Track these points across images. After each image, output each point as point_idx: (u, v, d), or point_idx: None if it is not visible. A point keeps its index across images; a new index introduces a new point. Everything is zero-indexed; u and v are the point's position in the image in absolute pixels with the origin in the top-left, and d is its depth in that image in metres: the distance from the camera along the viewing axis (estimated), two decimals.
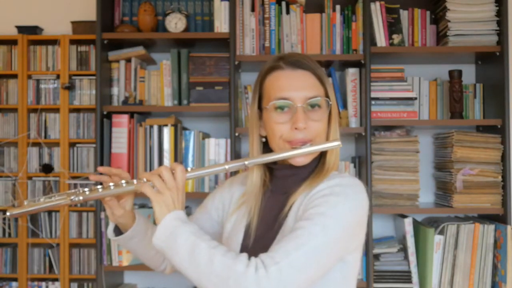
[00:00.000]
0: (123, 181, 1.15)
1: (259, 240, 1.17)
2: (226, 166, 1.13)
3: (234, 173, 2.34)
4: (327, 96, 1.18)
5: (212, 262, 0.99)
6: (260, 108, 1.21)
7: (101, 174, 1.21)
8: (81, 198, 1.12)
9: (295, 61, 1.17)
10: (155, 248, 1.25)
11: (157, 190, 1.08)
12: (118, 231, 1.28)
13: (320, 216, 1.04)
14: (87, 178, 2.61)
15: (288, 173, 1.19)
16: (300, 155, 1.14)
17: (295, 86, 1.15)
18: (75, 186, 2.64)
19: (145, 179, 1.11)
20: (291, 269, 0.97)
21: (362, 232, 1.15)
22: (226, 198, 1.32)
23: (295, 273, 0.97)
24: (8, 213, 1.11)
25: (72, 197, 1.12)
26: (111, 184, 1.15)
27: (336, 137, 1.20)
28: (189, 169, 1.13)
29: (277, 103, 1.14)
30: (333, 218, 1.04)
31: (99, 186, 1.14)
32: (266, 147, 1.22)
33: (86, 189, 1.13)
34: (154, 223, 1.15)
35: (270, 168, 1.23)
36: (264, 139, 1.22)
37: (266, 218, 1.19)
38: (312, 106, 1.15)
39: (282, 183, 1.20)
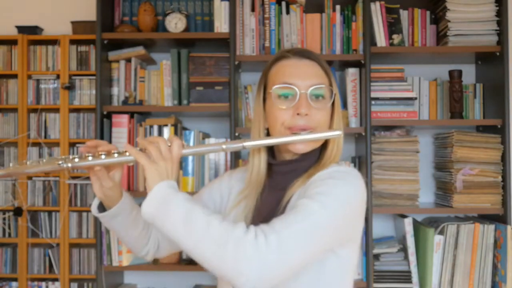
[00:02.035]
0: (115, 152, 1.11)
1: None
2: (224, 146, 1.11)
3: (234, 166, 2.34)
4: (330, 89, 1.18)
5: (209, 227, 0.96)
6: (264, 98, 1.21)
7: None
8: (69, 165, 1.08)
9: (302, 52, 1.20)
10: (138, 229, 1.24)
11: (152, 158, 1.06)
12: (102, 209, 1.24)
13: (319, 194, 1.04)
14: (88, 178, 2.62)
15: (287, 169, 1.19)
16: (300, 142, 1.13)
17: (299, 73, 1.16)
18: (75, 186, 2.65)
19: (138, 148, 1.09)
20: (290, 239, 0.96)
21: (359, 223, 1.15)
22: (225, 192, 1.30)
23: (294, 244, 0.97)
24: None
25: (60, 163, 1.08)
26: (102, 153, 1.11)
27: (339, 128, 1.19)
28: (185, 145, 1.12)
29: (280, 87, 1.15)
30: (332, 197, 1.04)
31: (89, 155, 1.10)
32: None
33: (76, 156, 1.09)
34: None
35: (269, 165, 1.23)
36: (266, 131, 1.22)
37: (264, 214, 1.18)
38: (316, 96, 1.15)
39: (281, 179, 1.20)
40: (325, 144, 1.20)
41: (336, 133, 1.14)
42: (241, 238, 0.94)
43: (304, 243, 0.98)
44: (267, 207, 1.18)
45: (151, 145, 1.08)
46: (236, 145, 1.11)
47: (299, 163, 1.18)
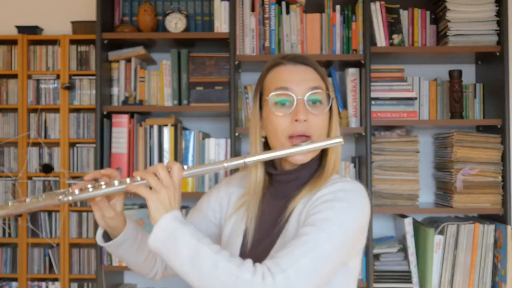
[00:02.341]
0: (115, 181, 1.08)
1: (258, 244, 1.15)
2: (225, 164, 1.09)
3: (233, 171, 2.35)
4: (327, 94, 1.17)
5: (216, 268, 0.96)
6: (261, 106, 1.19)
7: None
8: (70, 198, 1.06)
9: (297, 57, 1.18)
10: (145, 254, 1.22)
11: (153, 188, 1.03)
12: (107, 237, 1.21)
13: (324, 222, 1.02)
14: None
15: (288, 178, 1.17)
16: (301, 153, 1.11)
17: (296, 79, 1.14)
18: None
19: (139, 178, 1.06)
20: (298, 276, 0.96)
21: (364, 237, 1.14)
22: (224, 199, 1.28)
23: (302, 281, 0.96)
24: None
25: (60, 197, 1.06)
26: (102, 183, 1.08)
27: (337, 135, 1.18)
28: (185, 167, 1.09)
29: (277, 94, 1.13)
30: (338, 224, 1.03)
31: (89, 186, 1.08)
32: (266, 147, 1.20)
33: (76, 190, 1.07)
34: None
35: (270, 173, 1.21)
36: (264, 139, 1.19)
37: (265, 223, 1.17)
38: (313, 102, 1.13)
39: (282, 188, 1.18)
40: (324, 149, 1.18)
41: (336, 141, 1.12)
42: (249, 282, 0.94)
43: (312, 276, 0.98)
44: (270, 216, 1.17)
45: (149, 174, 1.05)
46: (238, 162, 1.10)
47: (300, 173, 1.17)
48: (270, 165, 1.20)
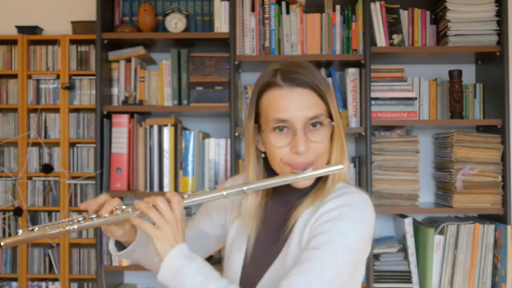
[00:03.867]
0: (117, 210, 1.09)
1: (262, 252, 1.15)
2: (224, 193, 1.08)
3: (235, 170, 2.35)
4: (329, 112, 1.12)
5: None
6: (258, 123, 1.16)
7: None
8: (75, 227, 1.09)
9: (293, 79, 1.09)
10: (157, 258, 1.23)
11: (156, 225, 1.04)
12: (119, 245, 1.22)
13: (329, 245, 1.01)
14: (88, 178, 2.61)
15: (290, 188, 1.15)
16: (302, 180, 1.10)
17: (294, 106, 1.08)
18: (75, 186, 2.64)
19: (139, 212, 1.07)
20: None
21: (369, 246, 1.13)
22: (228, 201, 1.27)
23: None
24: (2, 243, 1.07)
25: (67, 228, 1.09)
26: (105, 214, 1.08)
27: (340, 159, 1.14)
28: (185, 196, 1.08)
29: (274, 122, 1.08)
30: (343, 246, 1.02)
31: (93, 216, 1.09)
32: (266, 162, 1.18)
33: (80, 219, 1.09)
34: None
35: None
36: (263, 155, 1.17)
37: (268, 231, 1.16)
38: (313, 125, 1.09)
39: (285, 195, 1.17)
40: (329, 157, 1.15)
41: (338, 168, 1.10)
42: None
43: None
44: (273, 224, 1.17)
45: (150, 210, 1.05)
46: (237, 190, 1.09)
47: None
48: (271, 172, 1.18)
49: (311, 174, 1.09)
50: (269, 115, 1.10)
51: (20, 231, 1.09)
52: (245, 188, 1.09)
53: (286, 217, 1.14)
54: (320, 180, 1.15)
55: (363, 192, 1.14)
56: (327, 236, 1.03)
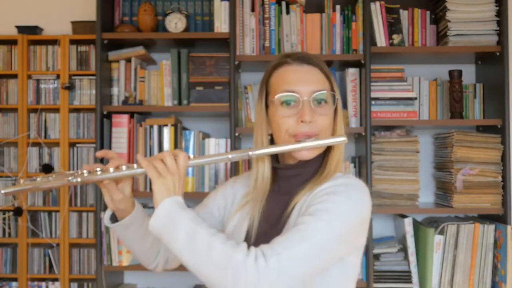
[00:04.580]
0: (123, 166, 1.12)
1: (261, 238, 1.16)
2: (230, 156, 1.12)
3: (235, 170, 2.35)
4: (333, 95, 1.19)
5: (211, 250, 0.98)
6: (266, 104, 1.22)
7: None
8: (79, 179, 1.09)
9: (302, 57, 1.19)
10: (149, 242, 1.25)
11: (159, 173, 1.07)
12: (114, 219, 1.25)
13: (324, 212, 1.04)
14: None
15: (292, 173, 1.20)
16: (305, 149, 1.13)
17: (301, 80, 1.16)
18: (75, 186, 2.64)
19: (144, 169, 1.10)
20: (291, 261, 0.97)
21: (364, 234, 1.15)
22: (229, 196, 1.31)
23: (295, 266, 0.97)
24: (2, 191, 1.09)
25: (69, 178, 1.09)
26: (110, 168, 1.12)
27: (342, 133, 1.20)
28: (191, 156, 1.12)
29: (283, 96, 1.15)
30: (337, 215, 1.04)
31: (98, 169, 1.12)
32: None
33: (84, 171, 1.10)
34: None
35: (274, 169, 1.23)
36: (270, 137, 1.22)
37: (269, 218, 1.19)
38: (319, 101, 1.16)
39: (285, 183, 1.20)
40: (328, 148, 1.20)
41: (341, 139, 1.14)
42: (241, 263, 0.96)
43: (306, 263, 0.99)
44: (273, 212, 1.19)
45: (156, 160, 1.08)
46: (242, 154, 1.12)
47: (303, 168, 1.19)
48: (274, 160, 1.23)
49: (315, 143, 1.13)
50: (277, 88, 1.17)
51: (22, 181, 1.09)
52: (250, 153, 1.12)
53: (287, 204, 1.17)
54: (320, 167, 1.19)
55: (361, 180, 1.17)
56: (322, 205, 1.06)
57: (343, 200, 1.07)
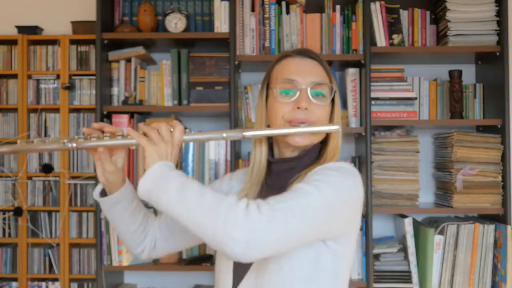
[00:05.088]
0: (119, 134, 1.12)
1: None
2: (224, 134, 1.14)
3: (234, 166, 2.34)
4: (331, 89, 1.21)
5: (202, 196, 0.99)
6: (267, 96, 1.24)
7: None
8: (74, 144, 1.10)
9: (304, 51, 1.24)
10: (136, 224, 1.26)
11: (153, 141, 1.08)
12: (104, 195, 1.25)
13: (316, 181, 1.06)
14: (88, 178, 2.61)
15: (285, 167, 1.21)
16: (299, 134, 1.15)
17: (302, 71, 1.19)
18: (75, 186, 2.64)
19: (142, 132, 1.11)
20: (282, 211, 0.99)
21: (356, 219, 1.16)
22: (224, 191, 1.32)
23: (285, 218, 0.98)
24: None
25: (65, 141, 1.09)
26: (106, 135, 1.13)
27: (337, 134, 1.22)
28: (187, 131, 1.14)
29: (283, 80, 1.18)
30: (329, 185, 1.06)
31: (94, 136, 1.12)
32: (270, 149, 1.25)
33: (81, 138, 1.10)
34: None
35: (268, 163, 1.24)
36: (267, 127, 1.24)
37: None
38: (317, 94, 1.18)
39: (278, 178, 1.21)
40: (324, 142, 1.22)
41: (334, 128, 1.17)
42: (233, 205, 0.97)
43: (295, 218, 1.00)
44: None
45: (151, 129, 1.10)
46: (236, 134, 1.14)
47: (298, 161, 1.20)
48: (271, 155, 1.24)
49: (308, 128, 1.15)
50: (278, 77, 1.21)
51: (19, 142, 1.09)
52: (244, 133, 1.14)
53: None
54: (314, 162, 1.20)
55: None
56: (316, 176, 1.08)
57: (336, 174, 1.09)
